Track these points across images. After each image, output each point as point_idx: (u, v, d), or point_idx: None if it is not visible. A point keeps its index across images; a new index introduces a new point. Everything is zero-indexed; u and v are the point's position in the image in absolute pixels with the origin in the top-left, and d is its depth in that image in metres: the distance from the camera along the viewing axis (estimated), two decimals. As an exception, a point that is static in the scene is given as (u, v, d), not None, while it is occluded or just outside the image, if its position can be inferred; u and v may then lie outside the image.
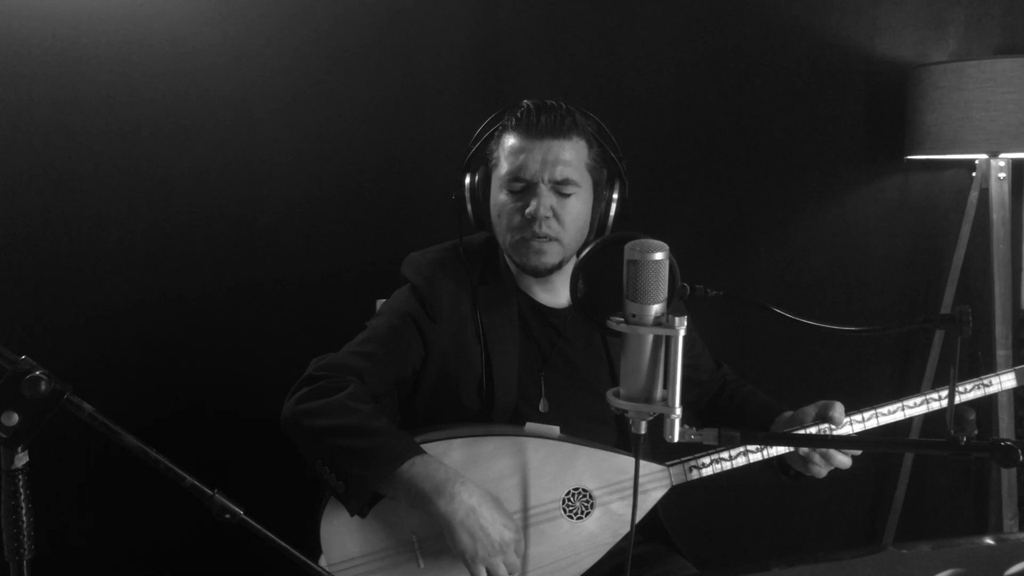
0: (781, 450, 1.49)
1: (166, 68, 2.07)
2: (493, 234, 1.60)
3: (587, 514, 1.47)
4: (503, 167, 1.53)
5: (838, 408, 1.46)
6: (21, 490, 0.96)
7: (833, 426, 1.45)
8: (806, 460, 1.45)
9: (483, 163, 1.58)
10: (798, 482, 1.54)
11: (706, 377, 1.75)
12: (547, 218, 1.50)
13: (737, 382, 1.76)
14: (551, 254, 1.52)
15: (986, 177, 2.27)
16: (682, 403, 1.04)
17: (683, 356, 1.02)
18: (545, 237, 1.51)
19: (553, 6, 2.24)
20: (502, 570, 1.38)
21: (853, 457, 1.46)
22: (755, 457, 1.48)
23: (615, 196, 1.57)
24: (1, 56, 1.99)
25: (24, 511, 0.96)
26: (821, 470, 1.46)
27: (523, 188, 1.51)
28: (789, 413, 1.54)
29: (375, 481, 1.39)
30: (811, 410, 1.49)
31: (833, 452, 1.44)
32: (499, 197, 1.54)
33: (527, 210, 1.50)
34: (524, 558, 1.44)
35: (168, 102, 2.09)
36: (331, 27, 2.14)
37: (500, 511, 1.39)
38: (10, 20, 1.98)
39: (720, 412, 1.72)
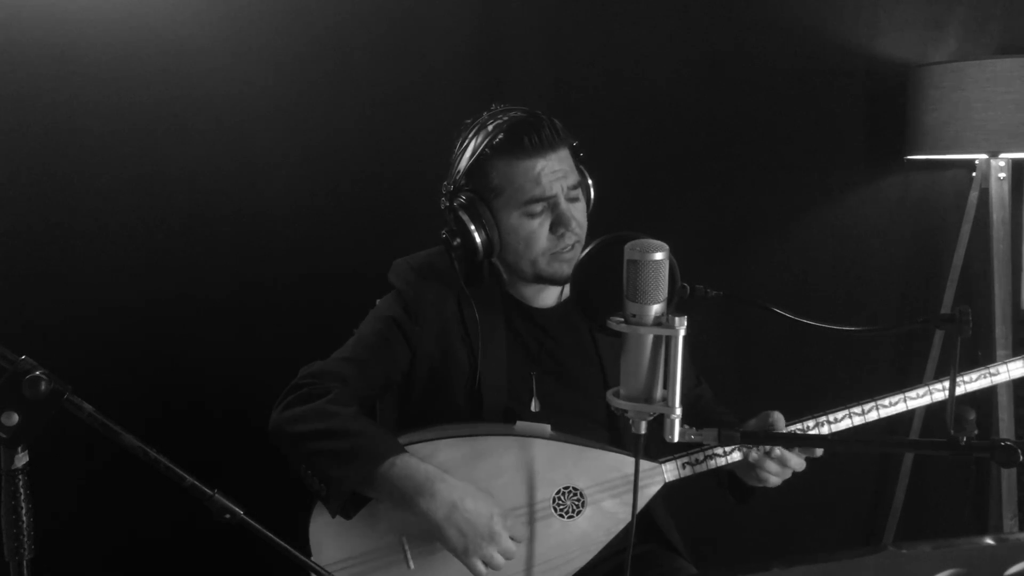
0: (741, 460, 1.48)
1: (165, 68, 2.07)
2: (500, 262, 1.59)
3: (578, 513, 1.47)
4: (513, 194, 1.51)
5: (778, 420, 1.46)
6: (21, 490, 0.97)
7: None
8: (756, 468, 1.45)
9: (477, 195, 1.53)
10: (746, 503, 1.54)
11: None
12: (572, 228, 1.52)
13: (712, 403, 1.75)
14: (576, 259, 1.53)
15: (986, 177, 2.27)
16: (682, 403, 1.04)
17: (684, 357, 1.02)
18: (574, 245, 1.53)
19: (552, 6, 2.24)
20: (498, 559, 1.37)
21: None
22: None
23: (590, 182, 1.59)
24: (1, 56, 1.99)
25: (24, 511, 0.97)
26: (773, 478, 1.46)
27: (542, 208, 1.51)
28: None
29: (354, 481, 1.39)
30: (752, 424, 1.49)
31: (789, 456, 1.44)
32: (516, 223, 1.52)
33: (560, 228, 1.51)
34: (522, 550, 1.44)
35: (167, 102, 2.08)
36: (330, 28, 2.14)
37: (484, 501, 1.38)
38: (10, 20, 1.98)
39: None
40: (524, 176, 1.49)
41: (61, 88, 2.03)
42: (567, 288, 1.60)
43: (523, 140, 1.48)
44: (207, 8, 2.08)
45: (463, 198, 1.53)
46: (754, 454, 1.44)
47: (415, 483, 1.37)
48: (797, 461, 1.45)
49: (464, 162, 1.53)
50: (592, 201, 1.61)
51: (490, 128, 1.51)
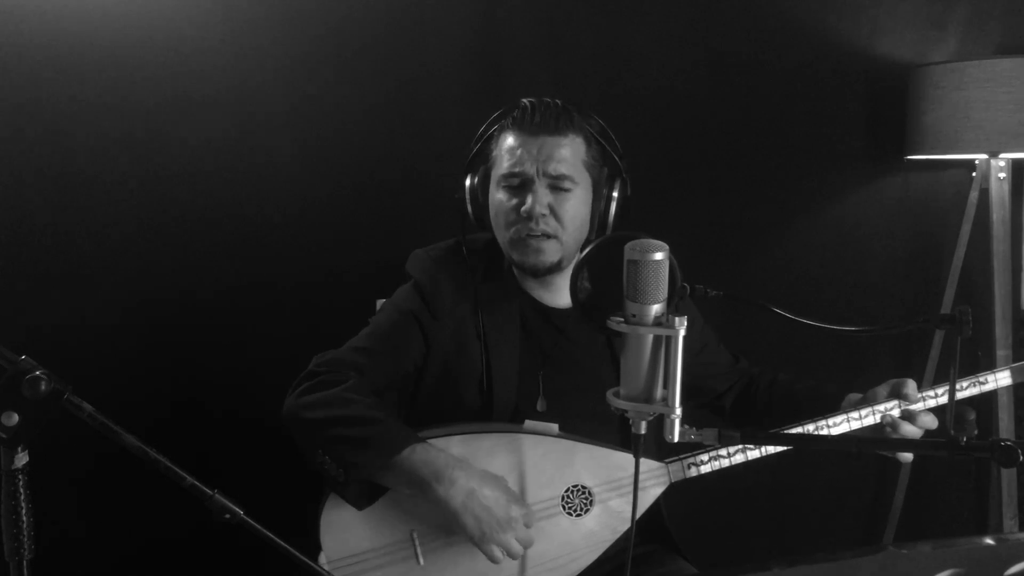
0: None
1: (166, 69, 2.07)
2: (493, 234, 1.60)
3: (586, 511, 1.47)
4: (501, 165, 1.53)
5: (910, 385, 1.47)
6: (21, 490, 0.96)
7: (907, 403, 1.45)
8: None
9: (483, 163, 1.58)
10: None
11: (722, 387, 1.75)
12: (543, 215, 1.50)
13: (766, 372, 1.75)
14: (549, 252, 1.52)
15: (986, 177, 2.27)
16: (683, 403, 1.04)
17: (684, 357, 1.02)
18: (543, 235, 1.51)
19: (553, 6, 2.24)
20: (515, 545, 1.38)
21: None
22: (753, 454, 1.48)
23: (615, 195, 1.56)
24: (1, 56, 1.99)
25: (24, 511, 0.97)
26: (908, 455, 1.47)
27: (519, 185, 1.51)
28: (857, 396, 1.53)
29: (374, 468, 1.39)
30: (882, 390, 1.49)
31: (906, 426, 1.43)
32: (496, 196, 1.55)
33: (523, 207, 1.50)
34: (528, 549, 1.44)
35: (168, 102, 2.08)
36: (331, 28, 2.14)
37: (501, 488, 1.39)
38: (10, 20, 1.98)
39: (761, 406, 1.70)
40: (510, 150, 1.52)
41: (61, 88, 2.03)
42: None
43: (520, 116, 1.52)
44: (208, 9, 2.08)
45: (472, 164, 1.58)
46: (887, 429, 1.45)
47: (433, 470, 1.37)
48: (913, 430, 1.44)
49: (487, 129, 1.58)
50: (609, 211, 1.55)
51: (515, 106, 1.56)
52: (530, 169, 1.50)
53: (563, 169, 1.50)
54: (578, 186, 1.52)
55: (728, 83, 2.32)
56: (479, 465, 1.43)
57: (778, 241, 2.41)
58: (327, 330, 1.61)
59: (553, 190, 1.51)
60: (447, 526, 1.40)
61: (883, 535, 2.48)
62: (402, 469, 1.39)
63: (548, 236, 1.51)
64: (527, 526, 1.40)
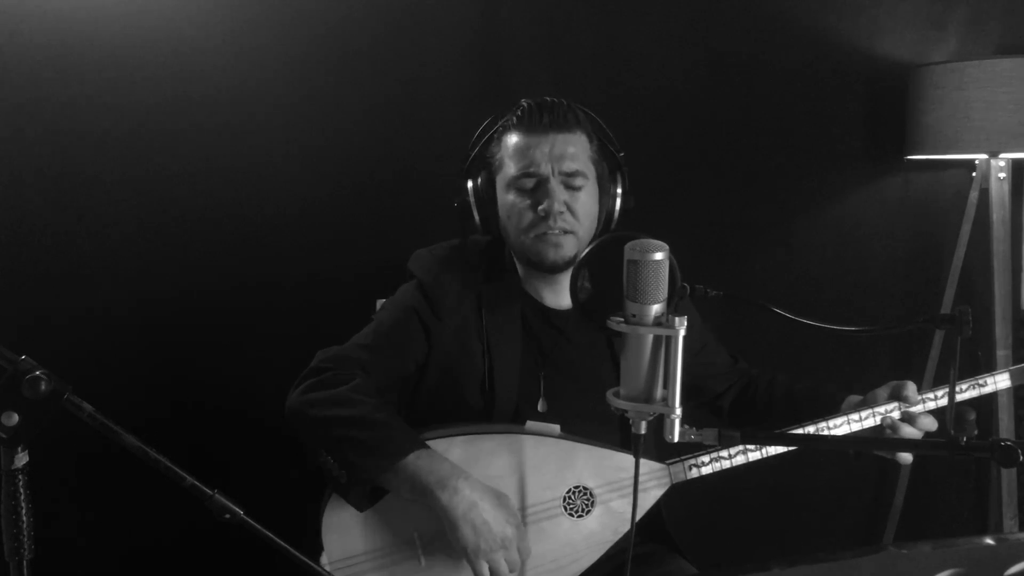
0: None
1: (166, 68, 2.07)
2: (500, 238, 1.60)
3: (588, 512, 1.47)
4: (509, 167, 1.53)
5: (910, 387, 1.47)
6: (21, 490, 0.97)
7: (907, 405, 1.46)
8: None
9: (485, 166, 1.58)
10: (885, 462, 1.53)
11: (721, 387, 1.75)
12: (561, 213, 1.50)
13: (765, 373, 1.76)
14: (567, 247, 1.52)
15: (986, 177, 2.27)
16: (683, 403, 1.04)
17: (684, 357, 1.02)
18: (560, 231, 1.51)
19: (553, 6, 2.24)
20: (503, 566, 1.37)
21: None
22: (754, 456, 1.48)
23: (619, 190, 1.57)
24: (1, 56, 1.99)
25: (24, 511, 0.97)
26: (907, 456, 1.47)
27: (533, 185, 1.51)
28: (857, 398, 1.53)
29: (378, 472, 1.39)
30: (882, 392, 1.49)
31: (906, 428, 1.43)
32: (508, 198, 1.54)
33: (540, 207, 1.50)
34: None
35: (168, 102, 2.08)
36: (331, 28, 2.14)
37: (502, 507, 1.39)
38: (10, 20, 1.98)
39: (761, 406, 1.70)
40: (519, 150, 1.51)
41: (62, 88, 2.03)
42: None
43: (526, 116, 1.51)
44: (208, 9, 2.08)
45: (472, 168, 1.57)
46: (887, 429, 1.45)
47: (438, 477, 1.37)
48: (912, 431, 1.44)
49: (482, 135, 1.57)
50: (615, 206, 1.57)
51: (515, 108, 1.55)
52: (544, 169, 1.50)
53: (576, 166, 1.51)
54: (588, 181, 1.54)
55: (728, 83, 2.32)
56: (481, 466, 1.43)
57: (778, 241, 2.41)
58: (327, 330, 1.61)
59: (567, 188, 1.51)
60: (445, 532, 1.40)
61: (883, 535, 2.48)
62: (406, 474, 1.38)
63: (566, 232, 1.52)
64: (521, 552, 1.40)
